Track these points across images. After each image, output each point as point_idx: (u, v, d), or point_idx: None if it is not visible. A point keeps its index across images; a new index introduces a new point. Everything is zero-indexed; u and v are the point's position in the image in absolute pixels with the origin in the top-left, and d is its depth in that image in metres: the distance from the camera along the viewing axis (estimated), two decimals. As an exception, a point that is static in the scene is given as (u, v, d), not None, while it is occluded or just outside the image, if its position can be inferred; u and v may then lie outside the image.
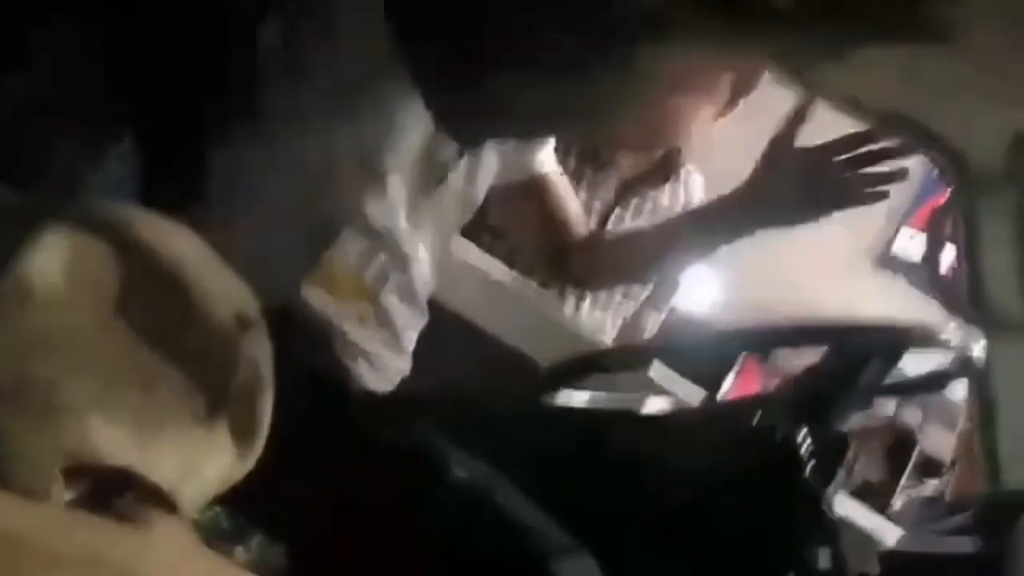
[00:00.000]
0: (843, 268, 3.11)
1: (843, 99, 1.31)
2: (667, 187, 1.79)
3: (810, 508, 0.55)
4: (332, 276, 0.86)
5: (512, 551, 0.73)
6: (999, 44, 1.04)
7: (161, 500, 0.48)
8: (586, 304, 1.62)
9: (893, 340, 0.62)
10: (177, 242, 0.51)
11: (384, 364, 0.96)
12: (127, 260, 0.48)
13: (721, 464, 0.61)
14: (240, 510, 0.64)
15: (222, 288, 0.52)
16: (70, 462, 0.44)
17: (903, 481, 1.83)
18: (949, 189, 1.30)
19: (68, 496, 0.45)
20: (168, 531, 0.50)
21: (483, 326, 1.32)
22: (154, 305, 0.48)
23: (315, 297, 0.86)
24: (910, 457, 1.77)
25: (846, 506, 1.37)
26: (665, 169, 1.78)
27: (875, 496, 1.82)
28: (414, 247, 0.93)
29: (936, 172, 1.47)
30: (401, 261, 0.92)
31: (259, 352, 0.52)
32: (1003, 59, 1.05)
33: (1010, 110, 1.15)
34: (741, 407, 0.76)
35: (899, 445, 1.80)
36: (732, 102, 1.70)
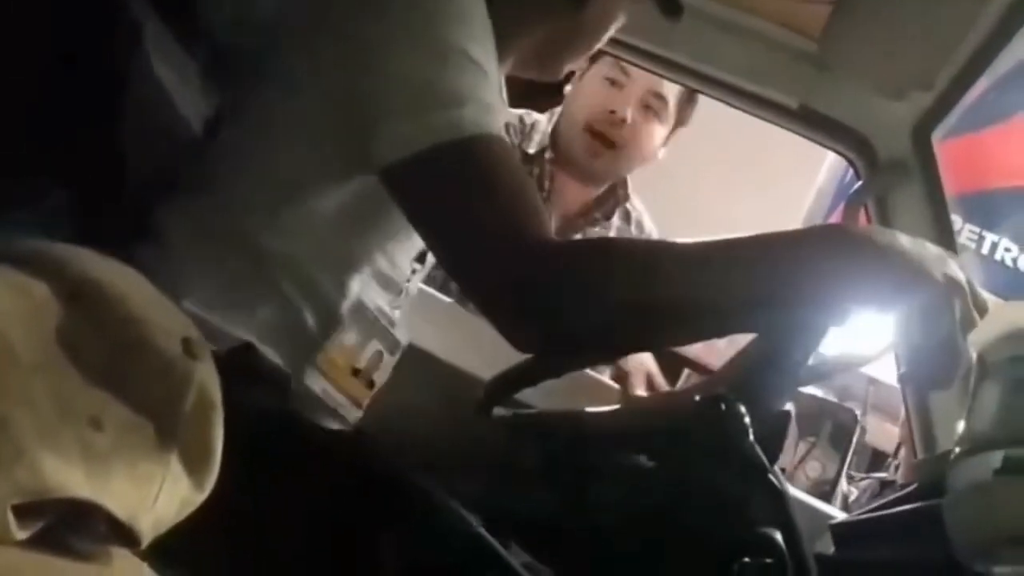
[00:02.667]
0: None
1: (751, 99, 1.38)
2: (613, 223, 1.75)
3: (759, 479, 0.57)
4: (329, 362, 0.89)
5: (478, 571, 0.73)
6: (897, 34, 1.11)
7: (119, 533, 0.47)
8: None
9: (817, 317, 0.64)
10: (119, 276, 0.52)
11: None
12: (68, 295, 0.48)
13: (670, 443, 0.62)
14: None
15: (166, 318, 0.53)
16: (22, 499, 0.43)
17: (846, 468, 1.89)
18: (859, 182, 1.38)
19: (22, 535, 0.44)
20: (128, 569, 0.49)
21: (439, 354, 1.31)
22: (99, 338, 0.48)
23: (314, 381, 0.88)
24: (851, 442, 1.83)
25: (798, 496, 1.40)
26: (611, 203, 1.74)
27: (825, 487, 1.87)
28: (402, 332, 0.95)
29: (848, 172, 1.52)
30: (392, 345, 0.94)
31: (208, 378, 0.53)
32: (902, 48, 1.12)
33: (912, 98, 1.23)
34: (685, 392, 0.78)
35: (841, 432, 1.86)
36: (676, 127, 1.71)
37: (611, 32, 1.04)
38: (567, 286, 0.71)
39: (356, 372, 0.90)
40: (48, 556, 0.45)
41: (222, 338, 0.84)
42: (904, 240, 0.68)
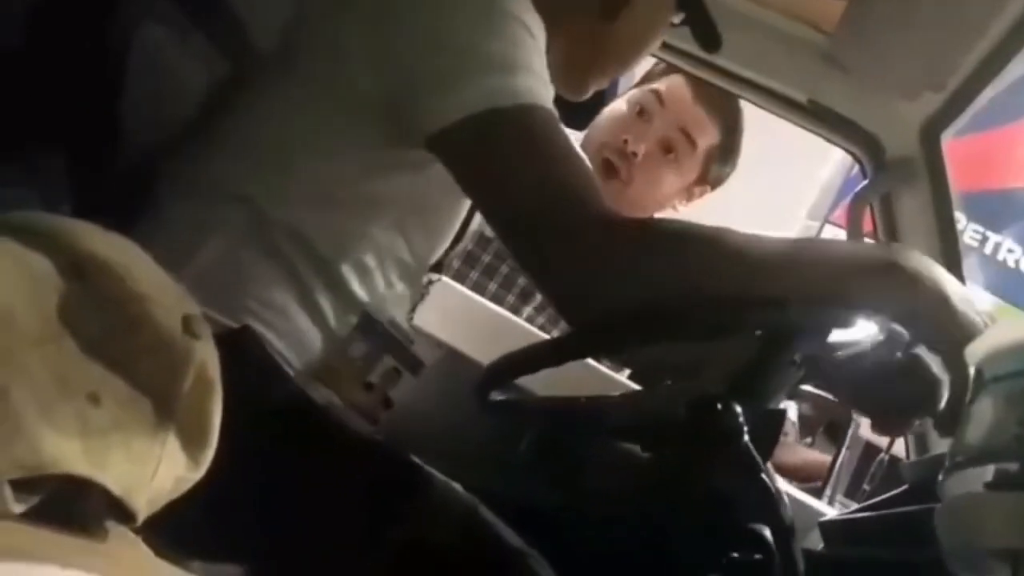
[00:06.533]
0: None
1: (761, 92, 1.37)
2: None
3: (752, 477, 0.57)
4: (330, 371, 0.83)
5: (473, 553, 0.74)
6: (908, 35, 1.10)
7: (115, 508, 0.48)
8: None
9: (817, 317, 0.64)
10: (121, 252, 0.52)
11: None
12: (70, 270, 0.48)
13: (664, 438, 0.63)
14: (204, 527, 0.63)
15: (168, 296, 0.53)
16: (19, 474, 0.44)
17: (839, 463, 1.90)
18: (865, 180, 1.37)
19: (19, 509, 0.44)
20: (123, 545, 0.50)
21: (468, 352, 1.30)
22: (99, 314, 0.48)
23: (316, 391, 0.81)
24: (846, 436, 1.83)
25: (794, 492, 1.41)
26: None
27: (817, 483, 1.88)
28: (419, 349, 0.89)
29: (854, 167, 1.53)
30: (411, 363, 0.87)
31: (207, 357, 0.53)
32: (915, 47, 1.12)
33: (922, 98, 1.22)
34: (680, 388, 0.78)
35: (835, 427, 1.87)
36: (699, 183, 1.63)
37: (644, 54, 1.00)
38: (628, 262, 0.72)
39: (368, 386, 0.83)
40: (44, 531, 0.45)
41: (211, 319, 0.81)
42: (955, 290, 0.70)
